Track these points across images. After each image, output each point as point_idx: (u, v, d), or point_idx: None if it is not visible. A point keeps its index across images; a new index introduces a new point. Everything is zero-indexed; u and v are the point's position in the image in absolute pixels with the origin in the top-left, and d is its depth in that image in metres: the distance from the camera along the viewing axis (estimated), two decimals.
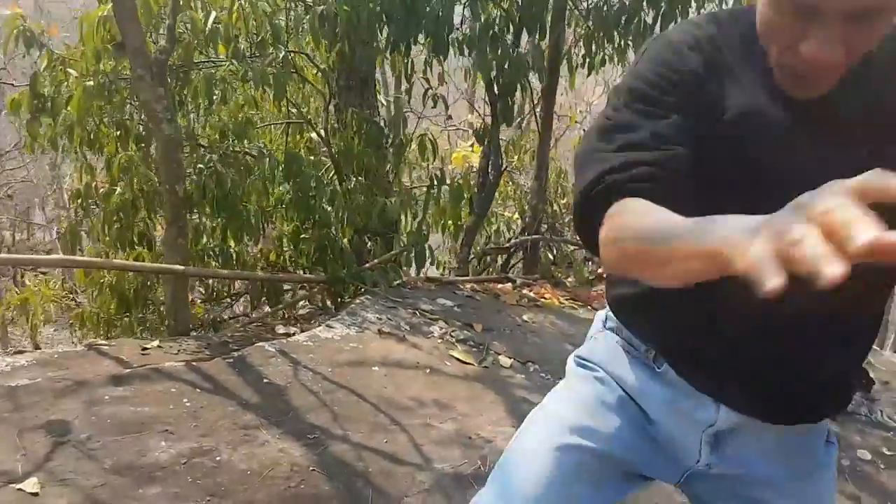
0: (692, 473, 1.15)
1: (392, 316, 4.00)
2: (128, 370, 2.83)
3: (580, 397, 1.20)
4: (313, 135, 5.13)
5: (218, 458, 2.31)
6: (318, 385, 2.97)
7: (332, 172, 4.53)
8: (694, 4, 4.27)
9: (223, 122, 4.26)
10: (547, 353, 3.92)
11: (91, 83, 3.95)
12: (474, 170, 5.43)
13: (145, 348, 3.46)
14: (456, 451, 2.62)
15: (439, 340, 3.78)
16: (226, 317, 4.83)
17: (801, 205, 0.57)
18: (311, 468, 2.35)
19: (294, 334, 4.07)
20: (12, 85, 5.91)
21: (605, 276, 1.25)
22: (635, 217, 0.87)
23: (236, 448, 2.39)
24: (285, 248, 4.56)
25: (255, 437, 2.50)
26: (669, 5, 4.21)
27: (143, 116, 4.39)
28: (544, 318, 4.63)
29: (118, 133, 4.38)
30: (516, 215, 6.18)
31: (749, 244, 0.58)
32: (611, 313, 1.24)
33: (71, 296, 6.22)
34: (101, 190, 4.58)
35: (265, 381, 2.92)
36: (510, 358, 3.70)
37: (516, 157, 5.62)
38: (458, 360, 3.57)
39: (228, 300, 4.92)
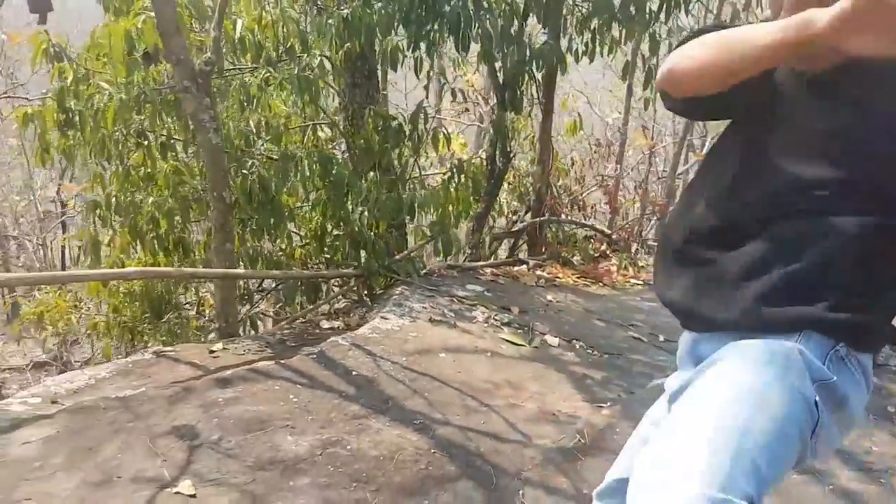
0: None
1: (434, 304, 4.20)
2: (229, 372, 2.97)
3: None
4: (321, 134, 5.27)
5: (349, 447, 2.49)
6: (401, 374, 3.16)
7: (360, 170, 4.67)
8: None
9: (252, 128, 4.36)
10: (583, 329, 4.18)
11: (124, 95, 4.00)
12: (482, 157, 5.62)
13: (212, 351, 3.60)
14: (548, 427, 2.86)
15: (485, 325, 4.00)
16: (261, 315, 4.94)
17: None
18: (432, 450, 2.55)
19: (339, 328, 4.25)
20: (26, 99, 5.83)
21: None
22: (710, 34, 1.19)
23: (359, 437, 2.58)
24: (320, 245, 4.69)
25: (368, 425, 2.68)
26: None
27: (167, 126, 4.47)
28: (566, 297, 4.90)
29: (145, 143, 4.43)
30: (514, 199, 6.41)
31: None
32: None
33: (79, 305, 6.22)
34: (125, 199, 4.62)
35: (353, 373, 3.10)
36: (556, 337, 3.94)
37: (516, 143, 5.84)
38: (509, 342, 3.80)
39: (259, 299, 5.04)
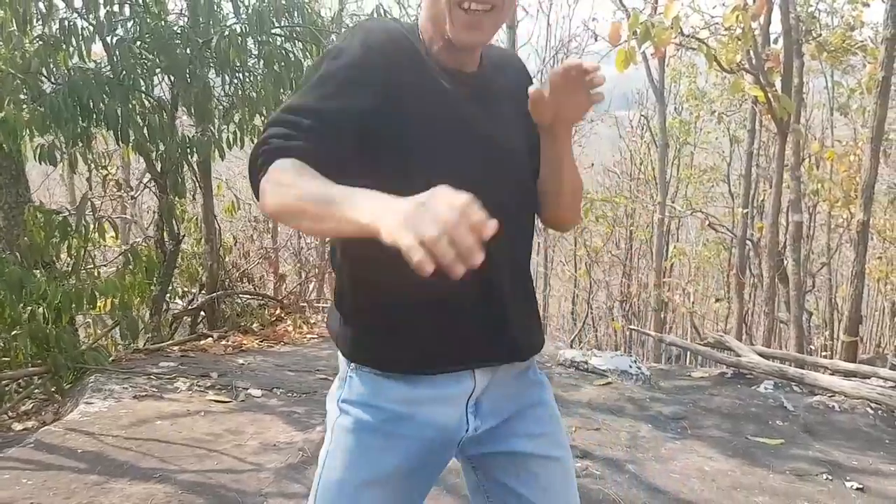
0: (463, 442, 1.32)
1: (134, 384, 4.37)
2: None
3: (350, 453, 1.27)
4: None
5: None
6: (126, 443, 3.38)
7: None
8: None
9: None
10: (279, 379, 4.69)
11: None
12: (148, 242, 5.86)
13: None
14: (273, 454, 3.34)
15: (190, 392, 4.31)
16: None
17: (424, 202, 0.83)
18: (180, 492, 2.88)
19: (34, 428, 4.19)
20: None
21: (340, 324, 1.34)
22: (295, 177, 1.04)
23: (108, 497, 2.80)
24: None
25: (111, 487, 2.90)
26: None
27: None
28: (255, 358, 5.36)
29: None
30: (185, 280, 6.68)
31: (391, 222, 0.83)
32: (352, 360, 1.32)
33: None
34: None
35: (79, 451, 3.25)
36: (258, 389, 4.40)
37: (182, 225, 6.17)
38: (217, 401, 4.17)
39: None
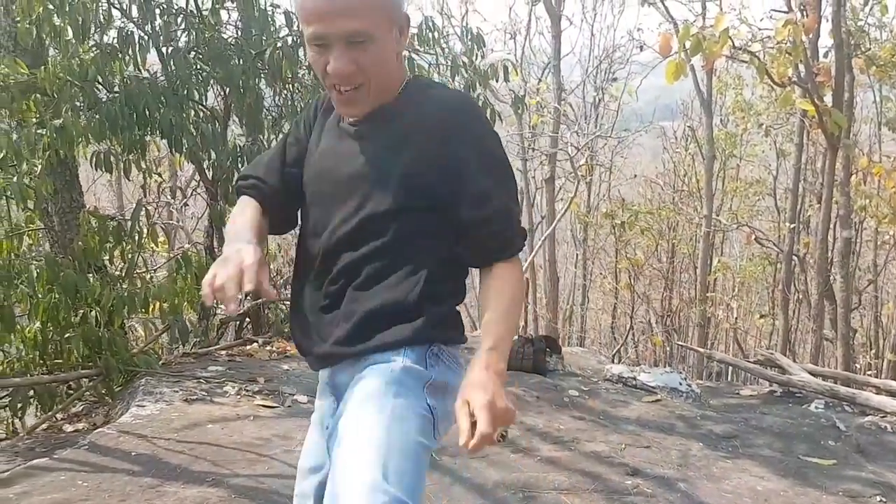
0: (334, 417, 1.52)
1: (184, 388, 4.44)
2: (6, 473, 3.01)
3: (309, 440, 1.72)
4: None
5: None
6: (178, 447, 3.43)
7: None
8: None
9: None
10: None
11: None
12: (197, 248, 5.95)
13: None
14: None
15: (238, 396, 4.36)
16: None
17: (227, 257, 1.37)
18: (233, 496, 2.92)
19: (85, 430, 4.28)
20: None
21: None
22: (236, 209, 1.62)
23: (162, 500, 2.84)
24: (43, 352, 4.63)
25: (165, 491, 2.95)
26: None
27: None
28: (299, 364, 5.39)
29: None
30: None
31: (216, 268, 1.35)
32: None
33: None
34: None
35: (133, 453, 3.31)
36: (304, 395, 4.44)
37: None
38: (265, 406, 4.21)
39: None
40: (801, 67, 6.60)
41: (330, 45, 1.37)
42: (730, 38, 5.61)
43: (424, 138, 1.45)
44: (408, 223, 1.47)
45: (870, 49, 8.36)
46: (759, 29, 8.07)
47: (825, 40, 7.36)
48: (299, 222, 1.68)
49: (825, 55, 7.89)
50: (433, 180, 1.45)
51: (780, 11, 7.95)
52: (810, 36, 7.06)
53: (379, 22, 1.38)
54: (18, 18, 4.74)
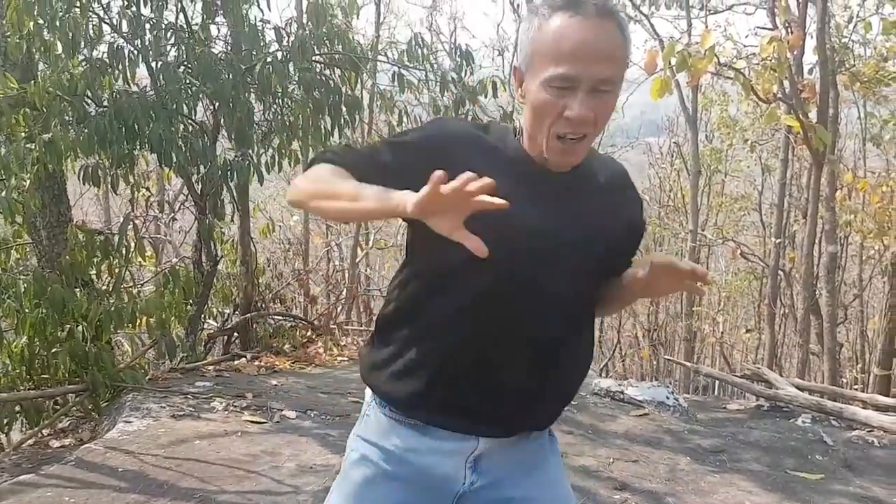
0: (461, 495, 1.38)
1: (171, 403, 4.42)
2: None
3: (352, 486, 1.40)
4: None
5: None
6: (165, 463, 3.41)
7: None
8: (367, 114, 5.51)
9: None
10: (312, 402, 4.71)
11: None
12: (185, 262, 5.93)
13: None
14: (310, 477, 3.35)
15: (226, 412, 4.34)
16: None
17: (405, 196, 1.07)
18: None
19: (71, 445, 4.24)
20: None
21: (369, 362, 1.46)
22: (332, 171, 1.25)
23: None
24: (29, 367, 4.60)
25: None
26: (349, 115, 5.41)
27: None
28: (288, 380, 5.39)
29: None
30: (219, 300, 6.74)
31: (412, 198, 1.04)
32: (372, 393, 1.45)
33: None
34: None
35: (119, 469, 3.29)
36: (292, 410, 4.42)
37: (220, 247, 6.24)
38: (253, 421, 4.19)
39: None
40: (786, 84, 6.67)
41: (575, 90, 1.24)
42: (715, 54, 5.67)
43: (620, 199, 1.46)
44: (598, 291, 1.45)
45: (854, 66, 8.46)
46: (745, 46, 8.18)
47: (810, 57, 7.48)
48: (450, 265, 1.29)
49: (810, 72, 8.01)
50: (628, 245, 1.47)
51: (765, 28, 8.08)
52: (795, 53, 7.16)
53: (624, 72, 1.29)
54: (8, 33, 4.74)
